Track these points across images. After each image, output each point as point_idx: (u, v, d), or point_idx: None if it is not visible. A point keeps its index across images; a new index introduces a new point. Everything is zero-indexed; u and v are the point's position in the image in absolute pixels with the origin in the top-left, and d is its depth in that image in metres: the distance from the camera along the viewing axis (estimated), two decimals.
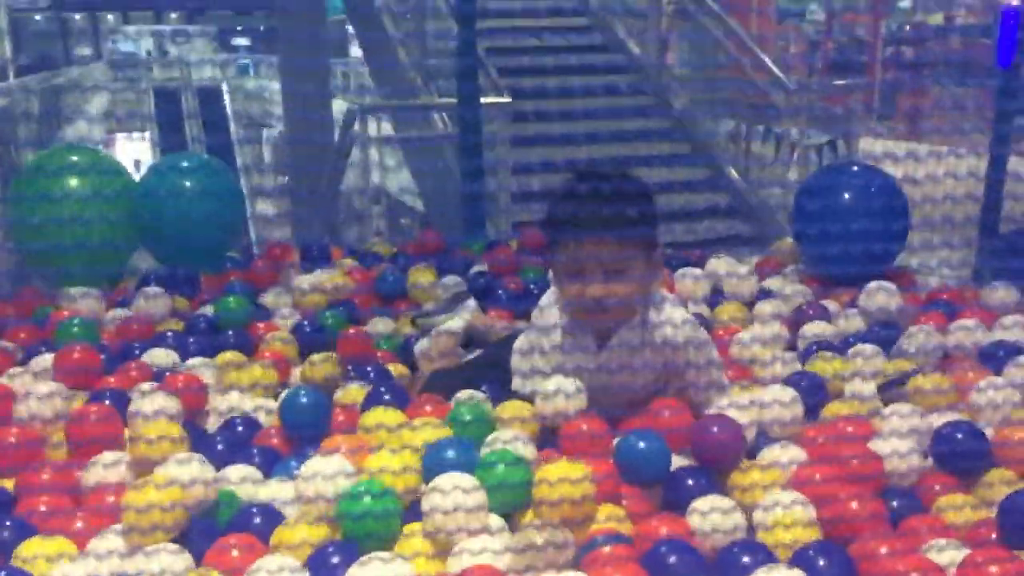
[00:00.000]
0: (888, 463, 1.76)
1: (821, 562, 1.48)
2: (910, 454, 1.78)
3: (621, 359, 1.95)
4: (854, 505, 1.58)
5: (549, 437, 1.89)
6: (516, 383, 2.03)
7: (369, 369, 2.32)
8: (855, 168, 3.09)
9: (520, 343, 2.06)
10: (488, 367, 2.17)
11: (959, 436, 1.83)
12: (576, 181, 1.90)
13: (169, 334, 2.52)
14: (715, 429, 1.81)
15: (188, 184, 3.04)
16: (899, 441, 1.80)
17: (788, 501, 1.61)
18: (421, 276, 3.00)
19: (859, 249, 2.60)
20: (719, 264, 2.98)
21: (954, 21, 13.61)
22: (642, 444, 1.74)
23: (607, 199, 1.82)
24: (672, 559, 1.49)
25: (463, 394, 2.01)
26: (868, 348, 2.31)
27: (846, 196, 2.86)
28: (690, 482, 1.71)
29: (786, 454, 1.78)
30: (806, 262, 3.04)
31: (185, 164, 3.19)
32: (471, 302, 2.64)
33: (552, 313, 1.98)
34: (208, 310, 2.74)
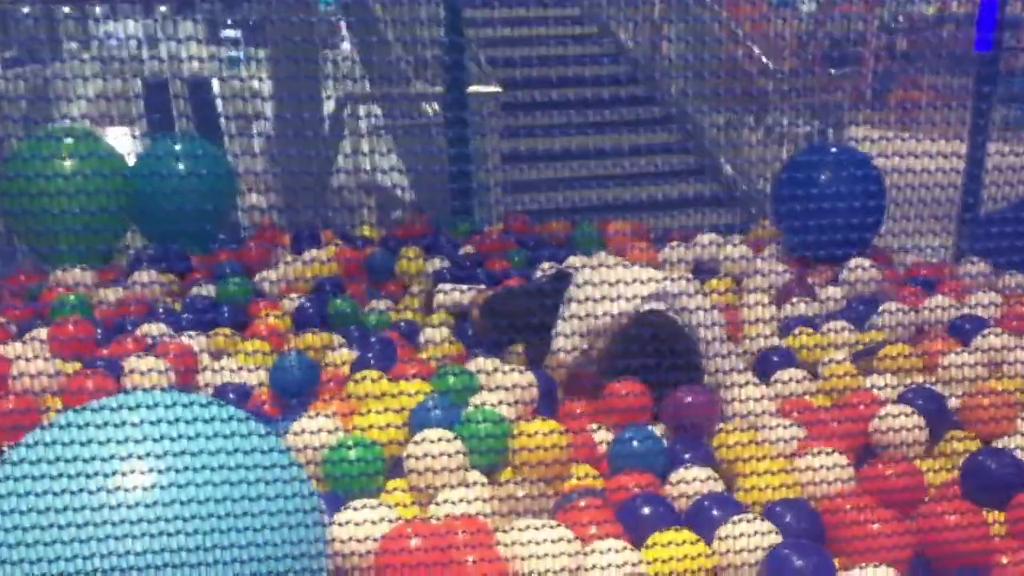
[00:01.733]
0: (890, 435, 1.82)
1: (788, 516, 1.55)
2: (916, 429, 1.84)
3: None
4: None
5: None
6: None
7: (357, 333, 2.40)
8: (832, 149, 3.16)
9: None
10: (539, 298, 2.30)
11: (920, 402, 1.90)
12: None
13: (161, 310, 2.58)
14: (688, 398, 1.88)
15: (180, 165, 3.09)
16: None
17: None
18: (410, 258, 3.06)
19: (837, 228, 2.66)
20: (706, 239, 3.05)
21: (948, 9, 13.56)
22: (636, 442, 1.79)
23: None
24: (646, 510, 1.56)
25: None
26: (839, 324, 2.38)
27: (823, 176, 2.92)
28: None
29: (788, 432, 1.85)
30: (786, 242, 3.10)
31: (177, 146, 3.24)
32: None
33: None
34: (203, 289, 2.80)
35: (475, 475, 1.66)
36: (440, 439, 1.61)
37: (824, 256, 2.77)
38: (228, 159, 3.37)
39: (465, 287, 2.67)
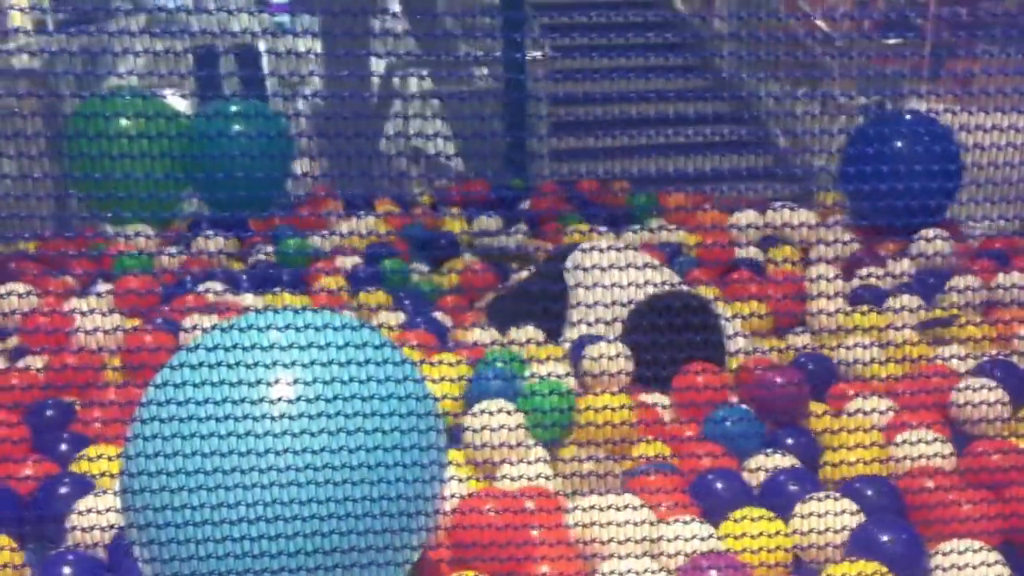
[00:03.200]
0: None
1: (869, 493, 1.50)
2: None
3: None
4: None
5: None
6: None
7: (407, 300, 2.43)
8: (907, 117, 3.04)
9: None
10: (541, 289, 2.23)
11: (997, 374, 1.83)
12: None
13: (219, 271, 2.59)
14: (777, 379, 1.80)
15: (238, 127, 3.07)
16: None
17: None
18: (451, 223, 3.04)
19: (910, 199, 2.57)
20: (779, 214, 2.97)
21: None
22: (730, 422, 1.71)
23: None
24: (719, 486, 1.52)
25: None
26: (907, 298, 2.30)
27: (897, 143, 2.82)
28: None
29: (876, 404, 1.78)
30: (853, 212, 3.02)
31: (234, 108, 3.23)
32: (522, 226, 2.78)
33: None
34: (262, 252, 2.81)
35: (537, 448, 1.63)
36: (500, 410, 1.58)
37: (896, 227, 2.68)
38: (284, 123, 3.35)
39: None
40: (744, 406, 1.77)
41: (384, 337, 1.27)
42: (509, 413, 1.60)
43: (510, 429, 1.59)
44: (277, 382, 1.15)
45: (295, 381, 1.15)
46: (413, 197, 3.62)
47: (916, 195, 2.69)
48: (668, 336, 1.81)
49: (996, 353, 2.03)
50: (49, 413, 1.82)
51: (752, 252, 2.75)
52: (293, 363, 1.16)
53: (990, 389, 1.77)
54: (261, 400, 1.13)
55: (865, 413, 1.67)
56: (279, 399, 1.14)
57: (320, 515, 1.12)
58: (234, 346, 1.16)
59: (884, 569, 1.33)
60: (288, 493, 1.12)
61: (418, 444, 1.19)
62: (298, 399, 1.14)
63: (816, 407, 1.81)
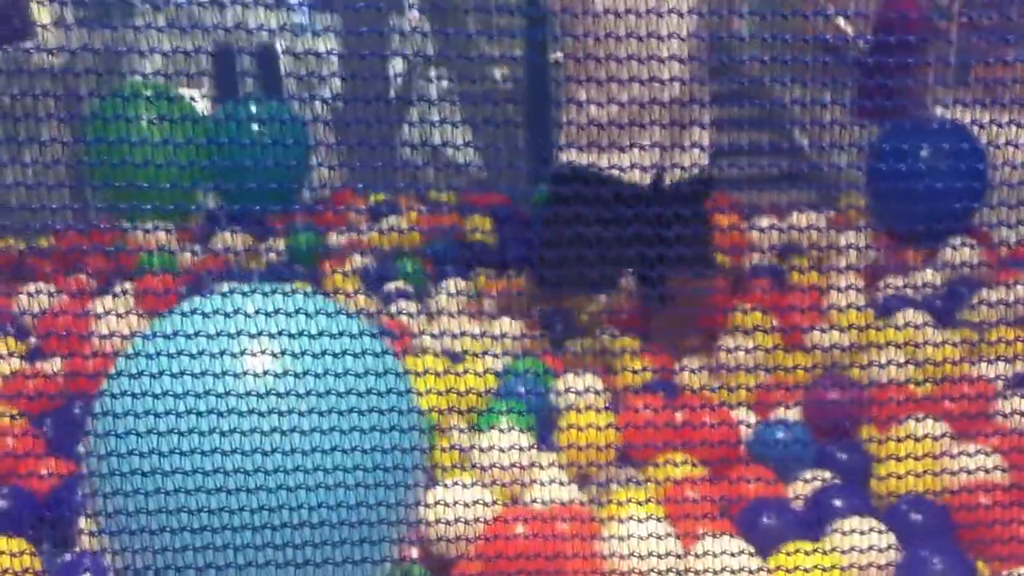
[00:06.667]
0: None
1: (914, 515, 1.46)
2: None
3: None
4: None
5: None
6: None
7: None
8: (933, 123, 2.99)
9: None
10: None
11: None
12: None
13: (236, 268, 2.59)
14: (833, 394, 1.73)
15: (255, 125, 3.06)
16: None
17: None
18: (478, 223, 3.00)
19: (938, 203, 2.52)
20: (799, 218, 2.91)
21: None
22: (780, 434, 1.63)
23: None
24: (766, 519, 1.46)
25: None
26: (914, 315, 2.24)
27: (924, 150, 2.77)
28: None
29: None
30: (878, 218, 2.97)
31: (252, 107, 3.22)
32: None
33: None
34: (280, 247, 2.80)
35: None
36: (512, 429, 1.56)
37: (923, 234, 2.63)
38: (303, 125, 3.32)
39: None
40: (790, 420, 1.70)
41: (362, 323, 1.26)
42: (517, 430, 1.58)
43: (521, 449, 1.57)
44: (249, 361, 1.15)
45: (269, 361, 1.15)
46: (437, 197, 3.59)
47: (940, 198, 2.64)
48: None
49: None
50: (70, 411, 1.81)
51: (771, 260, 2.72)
52: (267, 342, 1.16)
53: None
54: (233, 377, 1.14)
55: (918, 420, 1.60)
56: (251, 377, 1.14)
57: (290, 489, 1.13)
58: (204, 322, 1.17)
59: None
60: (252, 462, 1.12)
61: (397, 434, 1.17)
62: (269, 371, 1.14)
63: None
